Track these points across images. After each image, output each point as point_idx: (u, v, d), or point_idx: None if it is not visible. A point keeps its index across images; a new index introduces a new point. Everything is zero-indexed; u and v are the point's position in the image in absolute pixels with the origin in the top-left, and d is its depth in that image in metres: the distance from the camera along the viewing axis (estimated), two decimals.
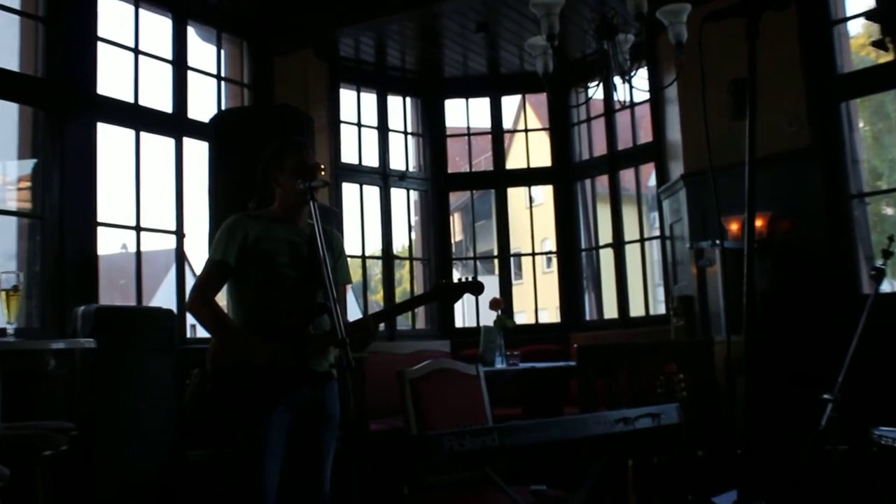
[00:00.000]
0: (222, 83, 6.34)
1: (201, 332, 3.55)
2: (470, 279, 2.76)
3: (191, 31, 6.08)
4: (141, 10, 5.65)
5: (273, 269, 2.61)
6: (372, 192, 7.43)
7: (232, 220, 2.66)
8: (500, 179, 8.03)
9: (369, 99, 7.53)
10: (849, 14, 5.52)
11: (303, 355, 2.57)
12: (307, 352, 2.58)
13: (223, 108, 6.28)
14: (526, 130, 8.50)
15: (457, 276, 2.76)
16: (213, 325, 2.57)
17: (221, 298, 2.72)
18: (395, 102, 7.72)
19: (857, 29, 7.72)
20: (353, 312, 12.30)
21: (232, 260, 2.58)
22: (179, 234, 5.73)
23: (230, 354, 2.53)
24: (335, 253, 2.75)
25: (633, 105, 7.20)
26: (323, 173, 2.66)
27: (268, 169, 2.70)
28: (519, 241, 9.49)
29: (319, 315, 2.63)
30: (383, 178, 7.46)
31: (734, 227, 5.44)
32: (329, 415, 2.67)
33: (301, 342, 2.56)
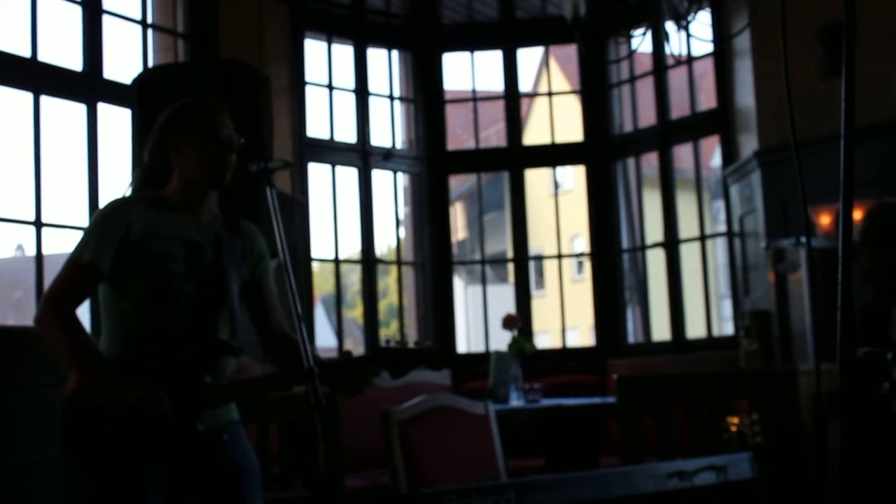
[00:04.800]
0: (149, 32, 6.34)
1: None
2: (424, 345, 2.55)
3: None
4: None
5: (161, 278, 2.50)
6: (348, 176, 7.44)
7: (110, 206, 2.56)
8: (516, 158, 8.04)
9: (344, 53, 7.54)
10: None
11: (194, 411, 2.44)
12: (201, 407, 2.47)
13: (150, 64, 6.28)
14: (550, 94, 8.50)
15: (411, 337, 2.48)
16: (66, 350, 2.44)
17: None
18: (377, 57, 7.73)
19: None
20: (322, 330, 12.32)
21: (105, 263, 2.46)
22: None
23: (90, 391, 2.46)
24: (254, 257, 2.70)
25: (691, 60, 7.20)
26: (241, 141, 2.55)
27: (167, 135, 2.57)
28: (541, 240, 9.51)
29: (222, 357, 2.54)
30: (363, 156, 7.47)
31: (825, 220, 5.44)
32: (242, 469, 2.59)
33: (195, 395, 2.45)
